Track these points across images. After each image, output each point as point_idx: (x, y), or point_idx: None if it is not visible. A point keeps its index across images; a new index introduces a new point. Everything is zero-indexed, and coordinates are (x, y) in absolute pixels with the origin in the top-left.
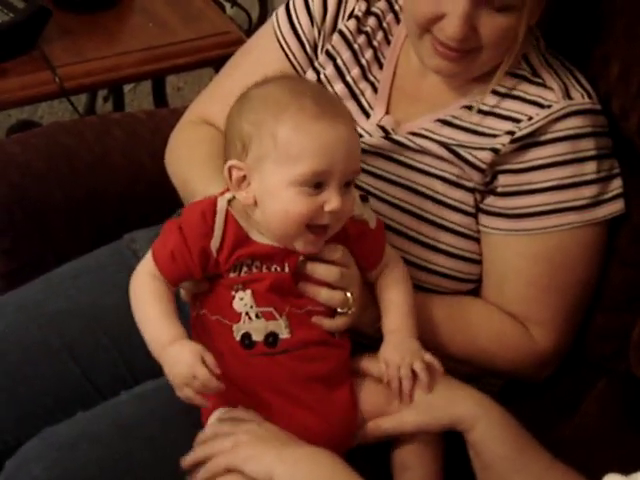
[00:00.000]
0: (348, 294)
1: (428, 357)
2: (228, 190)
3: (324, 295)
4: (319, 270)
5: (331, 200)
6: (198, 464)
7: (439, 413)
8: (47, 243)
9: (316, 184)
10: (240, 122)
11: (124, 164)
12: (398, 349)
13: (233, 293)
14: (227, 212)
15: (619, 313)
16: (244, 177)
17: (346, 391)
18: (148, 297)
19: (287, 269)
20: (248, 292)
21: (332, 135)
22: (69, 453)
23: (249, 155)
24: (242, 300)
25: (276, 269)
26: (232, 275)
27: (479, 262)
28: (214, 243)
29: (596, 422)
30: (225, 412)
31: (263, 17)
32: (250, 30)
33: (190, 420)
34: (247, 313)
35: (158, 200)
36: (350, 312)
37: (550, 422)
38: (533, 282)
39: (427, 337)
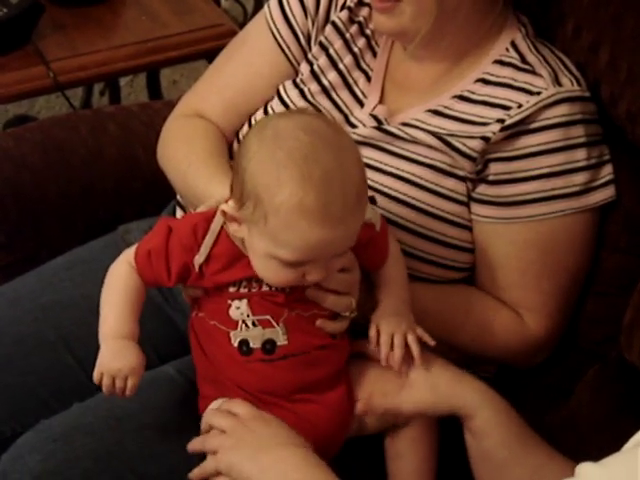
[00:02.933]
0: (352, 299)
1: (420, 331)
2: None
3: (330, 301)
4: (328, 280)
5: (312, 273)
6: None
7: (440, 398)
8: (42, 237)
9: (299, 264)
10: (246, 169)
11: (118, 158)
12: (393, 316)
13: (229, 302)
14: (222, 230)
15: (611, 298)
16: (236, 219)
17: (342, 391)
18: (119, 284)
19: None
20: (244, 301)
21: (326, 239)
22: (64, 445)
23: (242, 210)
24: (238, 309)
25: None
26: (231, 290)
27: (471, 250)
28: (198, 259)
29: (588, 407)
30: (222, 403)
31: (258, 10)
32: (245, 23)
33: (183, 411)
34: (244, 321)
35: (152, 194)
36: (352, 315)
37: (543, 408)
38: (525, 269)
39: (420, 323)
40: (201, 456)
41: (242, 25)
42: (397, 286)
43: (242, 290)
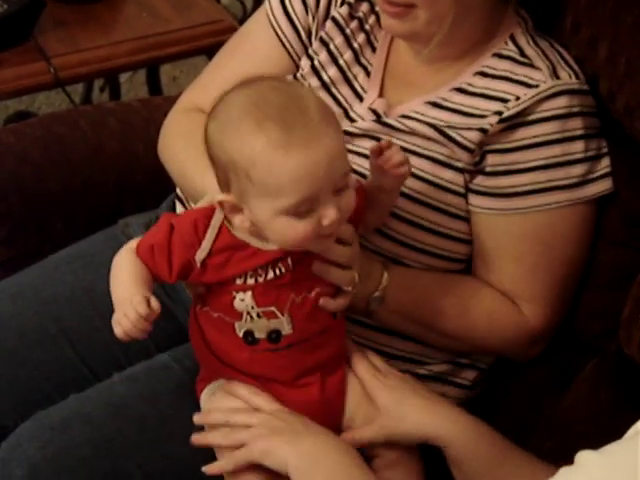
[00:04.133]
0: (355, 273)
1: None
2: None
3: (335, 275)
4: (331, 252)
5: (327, 215)
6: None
7: (410, 428)
8: (44, 232)
9: (305, 208)
10: (215, 148)
11: (119, 152)
12: None
13: (234, 294)
14: (222, 224)
15: (609, 292)
16: (235, 206)
17: (340, 374)
18: (127, 267)
19: (291, 265)
20: (248, 293)
21: (308, 162)
22: (62, 433)
23: (232, 188)
24: (243, 301)
25: (280, 269)
26: (238, 282)
27: (469, 242)
28: (199, 255)
29: (586, 401)
30: (218, 385)
31: (257, 6)
32: (244, 19)
33: (181, 399)
34: (248, 312)
35: (153, 188)
36: (353, 289)
37: (541, 401)
38: (522, 260)
39: (419, 312)
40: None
41: (241, 21)
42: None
43: (249, 281)
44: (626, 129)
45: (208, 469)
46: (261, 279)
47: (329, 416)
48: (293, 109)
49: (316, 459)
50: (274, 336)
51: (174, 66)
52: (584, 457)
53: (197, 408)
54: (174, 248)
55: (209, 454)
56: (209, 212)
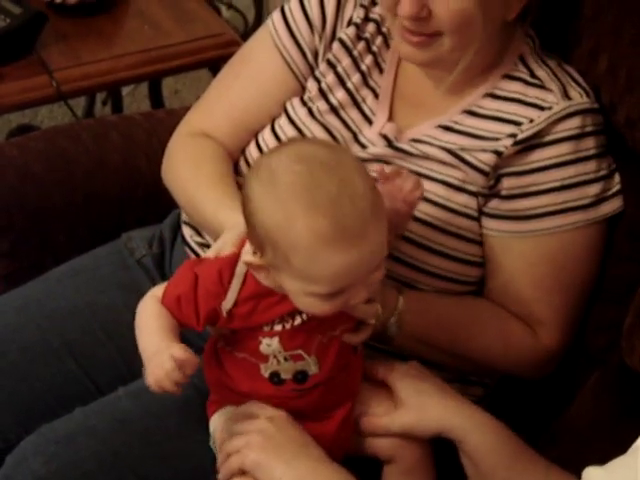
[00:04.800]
0: (378, 305)
1: None
2: None
3: (361, 310)
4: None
5: (356, 297)
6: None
7: (430, 420)
8: (46, 245)
9: (337, 294)
10: (255, 216)
11: (121, 166)
12: None
13: (260, 339)
14: (247, 273)
15: (614, 305)
16: (262, 267)
17: (349, 405)
18: (151, 313)
19: None
20: (275, 339)
21: (352, 260)
22: (67, 447)
23: (264, 256)
24: (270, 346)
25: (308, 315)
26: (265, 329)
27: (481, 265)
28: (225, 305)
29: (590, 413)
30: (233, 410)
31: (259, 19)
32: (246, 33)
33: (185, 415)
34: (275, 356)
35: (155, 202)
36: (376, 322)
37: (546, 413)
38: (537, 283)
39: (435, 335)
40: (210, 459)
41: (243, 35)
42: None
43: (276, 327)
44: (628, 142)
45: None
46: (288, 325)
47: (337, 445)
48: (345, 200)
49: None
50: (300, 377)
51: (176, 79)
52: (591, 474)
53: (204, 426)
54: (200, 299)
55: (213, 471)
56: (233, 260)
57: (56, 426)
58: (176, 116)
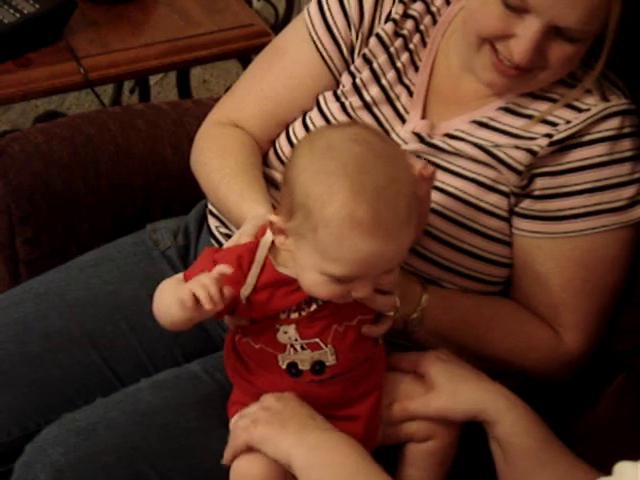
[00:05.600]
0: (396, 298)
1: None
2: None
3: (379, 302)
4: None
5: (359, 291)
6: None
7: (465, 402)
8: (70, 233)
9: (346, 279)
10: (296, 181)
11: (147, 155)
12: None
13: (277, 326)
14: (266, 260)
15: None
16: (284, 231)
17: (376, 397)
18: (170, 288)
19: None
20: (292, 326)
21: (376, 253)
22: (87, 439)
23: (291, 221)
24: (286, 334)
25: (323, 300)
26: (282, 316)
27: (509, 265)
28: (244, 291)
29: (612, 417)
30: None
31: (289, 11)
32: (277, 24)
33: (208, 409)
34: (292, 345)
35: (180, 191)
36: (395, 314)
37: (568, 416)
38: (565, 286)
39: (457, 334)
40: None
41: (273, 26)
42: None
43: (292, 315)
44: None
45: (223, 461)
46: (304, 312)
47: (366, 441)
48: (389, 193)
49: (325, 452)
50: (318, 368)
51: (205, 69)
52: (623, 468)
53: (224, 422)
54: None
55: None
56: (253, 247)
57: (77, 417)
58: (203, 106)
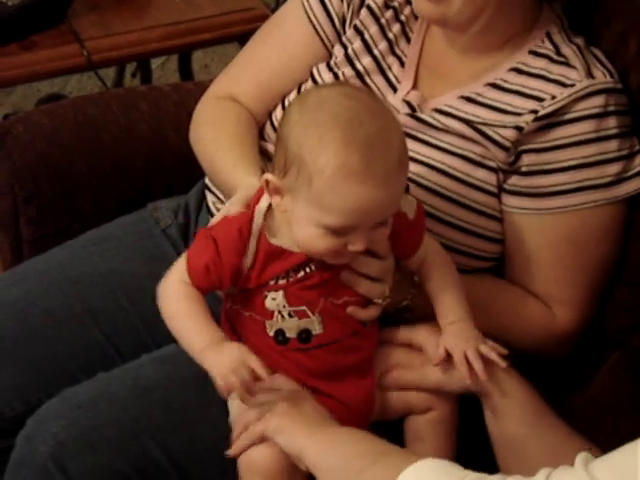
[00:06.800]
0: (386, 287)
1: (491, 343)
2: (262, 193)
3: (364, 287)
4: (362, 264)
5: (355, 243)
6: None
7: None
8: (73, 212)
9: (341, 231)
10: (289, 136)
11: (149, 136)
12: (460, 337)
13: (265, 293)
14: (261, 231)
15: (635, 287)
16: (279, 189)
17: (371, 378)
18: (184, 302)
19: (320, 265)
20: (280, 292)
21: (369, 200)
22: (88, 412)
23: (286, 178)
24: (274, 300)
25: (311, 268)
26: (271, 282)
27: (500, 241)
28: (246, 261)
29: (608, 392)
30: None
31: None
32: (277, 8)
33: (208, 384)
34: (280, 312)
35: (181, 173)
36: (383, 302)
37: (563, 392)
38: (556, 262)
39: None
40: (229, 428)
41: (274, 10)
42: (455, 303)
43: (280, 281)
44: None
45: (230, 452)
46: (292, 279)
47: (356, 419)
48: (380, 143)
49: (337, 444)
50: (304, 336)
51: (206, 53)
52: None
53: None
54: (225, 259)
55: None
56: (250, 218)
57: (78, 391)
58: (205, 88)
